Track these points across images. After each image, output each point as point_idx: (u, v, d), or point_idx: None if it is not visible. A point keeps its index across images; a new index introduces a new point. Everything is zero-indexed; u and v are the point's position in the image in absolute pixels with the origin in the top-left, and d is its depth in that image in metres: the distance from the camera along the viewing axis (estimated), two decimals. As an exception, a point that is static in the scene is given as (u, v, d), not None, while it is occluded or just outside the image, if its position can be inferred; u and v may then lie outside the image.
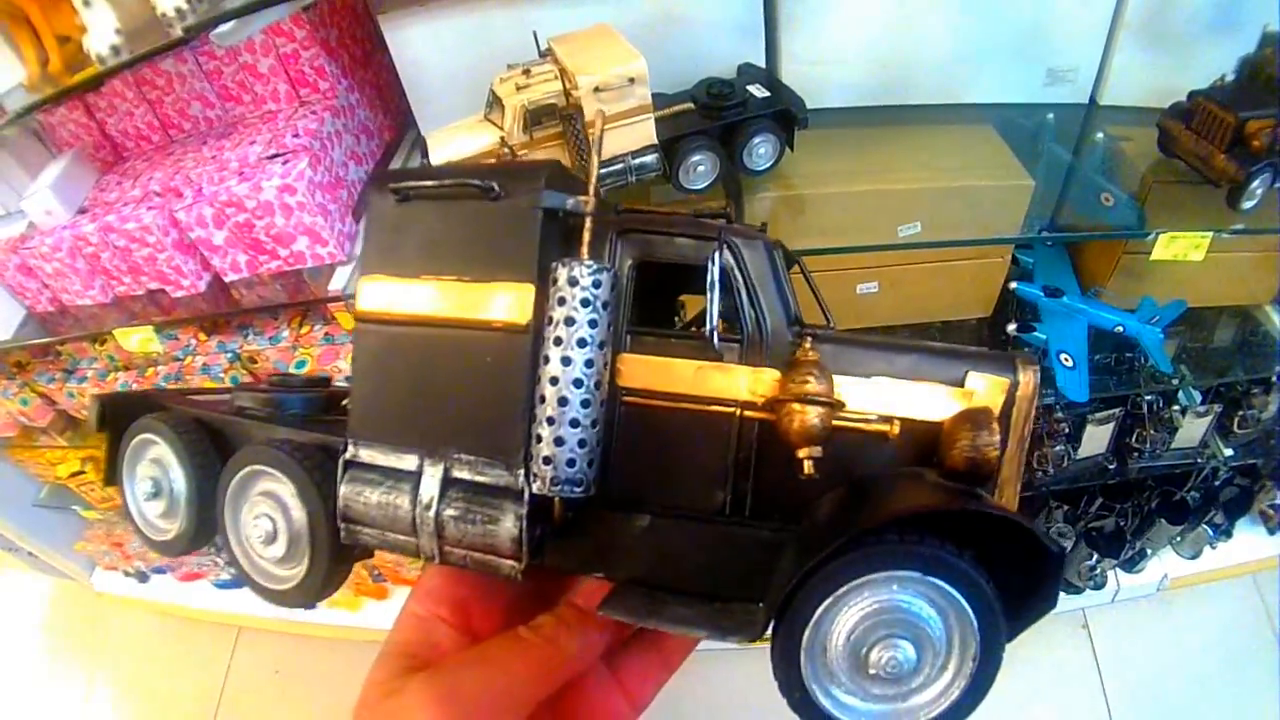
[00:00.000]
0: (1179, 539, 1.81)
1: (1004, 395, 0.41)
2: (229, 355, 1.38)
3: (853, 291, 1.26)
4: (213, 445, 0.50)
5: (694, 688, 1.76)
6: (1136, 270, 1.30)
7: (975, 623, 0.34)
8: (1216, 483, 1.73)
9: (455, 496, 0.40)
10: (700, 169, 1.04)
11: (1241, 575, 1.89)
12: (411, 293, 0.42)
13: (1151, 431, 1.49)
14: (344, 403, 0.50)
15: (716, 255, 0.41)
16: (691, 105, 1.04)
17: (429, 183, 0.43)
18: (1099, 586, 1.82)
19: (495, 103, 0.99)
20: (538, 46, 1.01)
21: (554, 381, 0.38)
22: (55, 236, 1.22)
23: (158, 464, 0.51)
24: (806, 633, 0.34)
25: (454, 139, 1.01)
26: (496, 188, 0.40)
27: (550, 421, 0.38)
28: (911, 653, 0.34)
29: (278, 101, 1.26)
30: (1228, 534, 1.81)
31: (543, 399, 0.38)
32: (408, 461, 0.42)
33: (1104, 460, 1.55)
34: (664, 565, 0.41)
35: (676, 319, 0.59)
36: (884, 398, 0.41)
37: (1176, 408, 1.47)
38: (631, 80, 0.91)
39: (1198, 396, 1.48)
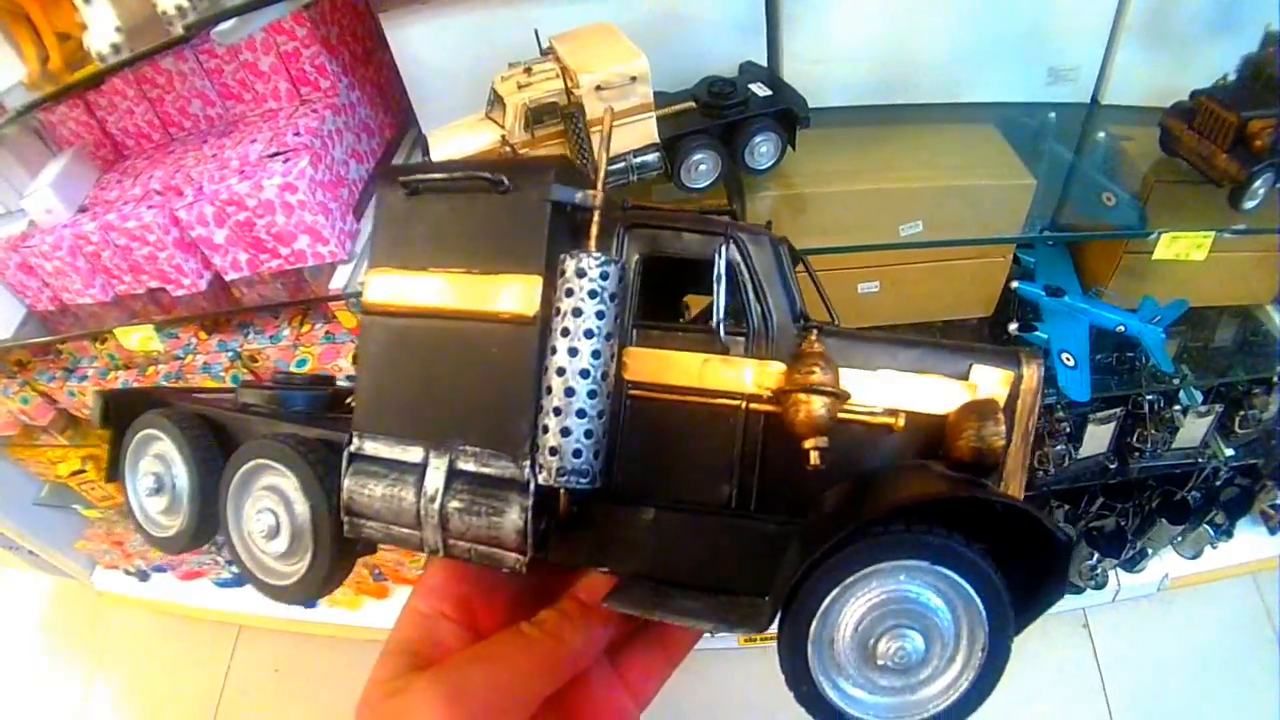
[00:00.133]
0: (1180, 539, 1.81)
1: (1008, 388, 0.41)
2: (230, 354, 1.38)
3: (854, 291, 1.26)
4: (216, 441, 0.50)
5: (695, 686, 1.76)
6: (1138, 270, 1.30)
7: (984, 613, 0.34)
8: (1217, 482, 1.73)
9: (460, 488, 0.40)
10: (702, 168, 1.04)
11: (1242, 575, 1.89)
12: (419, 285, 0.42)
13: (1152, 431, 1.49)
14: (348, 400, 0.50)
15: (723, 249, 0.41)
16: (693, 104, 1.04)
17: (438, 176, 0.43)
18: (1100, 586, 1.82)
19: (496, 101, 0.99)
20: (539, 45, 1.01)
21: (560, 372, 0.38)
22: (56, 235, 1.22)
23: (160, 460, 0.51)
24: (813, 624, 0.34)
25: (455, 137, 1.01)
26: (506, 181, 0.40)
27: (556, 412, 0.38)
28: (920, 643, 0.34)
29: (278, 100, 1.26)
30: (1228, 534, 1.81)
31: (549, 390, 0.38)
32: (413, 454, 0.41)
33: (1105, 460, 1.55)
34: (669, 559, 0.41)
35: (681, 319, 0.59)
36: (889, 391, 0.41)
37: (1178, 407, 1.47)
38: (633, 79, 0.91)
39: (1199, 396, 1.48)
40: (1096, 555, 1.73)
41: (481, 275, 0.41)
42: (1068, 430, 1.47)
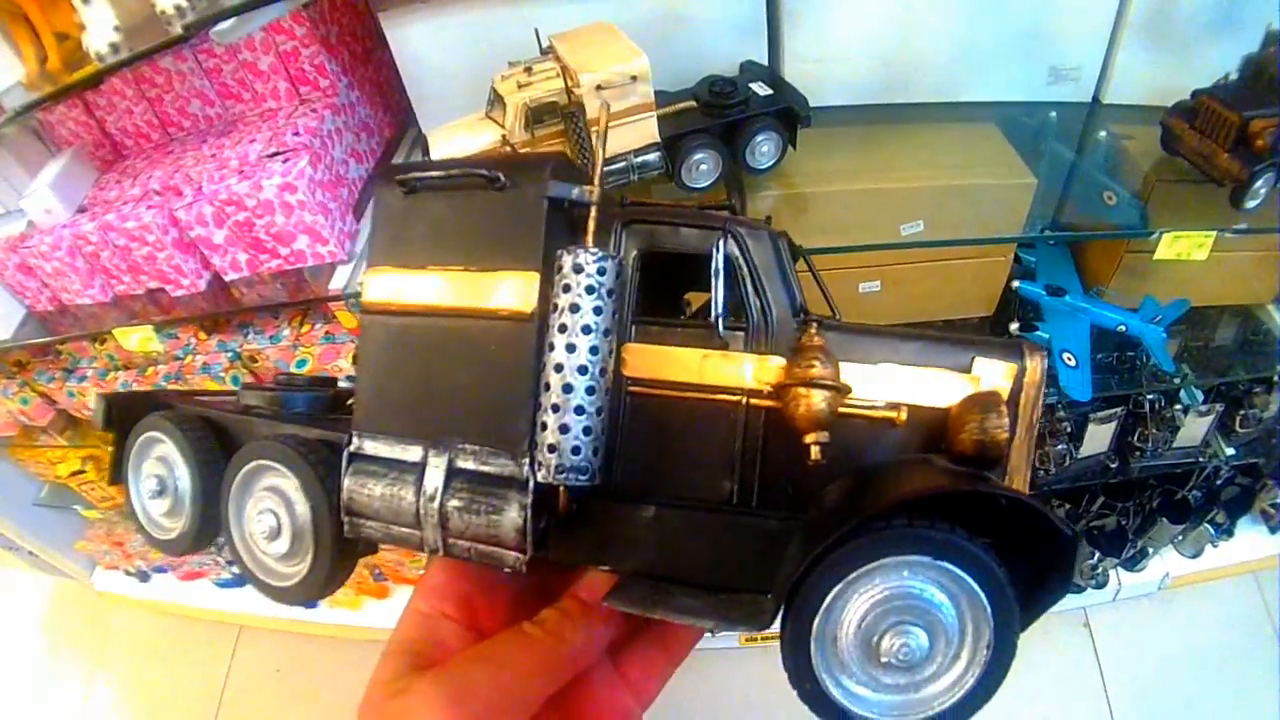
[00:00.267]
0: (1180, 538, 1.81)
1: (1012, 380, 0.41)
2: (229, 354, 1.38)
3: (855, 290, 1.26)
4: (218, 443, 0.50)
5: (696, 685, 1.76)
6: (1139, 269, 1.30)
7: (989, 609, 0.33)
8: (1218, 482, 1.73)
9: (460, 487, 0.40)
10: (703, 167, 1.04)
11: (1243, 574, 1.89)
12: (417, 283, 0.42)
13: (1153, 430, 1.49)
14: (349, 402, 0.50)
15: (721, 243, 0.41)
16: (694, 103, 1.03)
17: (435, 174, 0.42)
18: (1101, 585, 1.82)
19: (496, 100, 0.99)
20: (539, 44, 1.01)
21: (558, 369, 0.38)
22: (55, 235, 1.22)
23: (163, 462, 0.51)
24: (816, 621, 0.34)
25: (455, 137, 1.01)
26: (503, 178, 0.40)
27: (555, 409, 0.38)
28: (924, 640, 0.34)
29: (278, 99, 1.25)
30: (1229, 533, 1.81)
31: (547, 387, 0.38)
32: (412, 453, 0.41)
33: (1106, 459, 1.55)
34: (670, 556, 0.40)
35: (681, 315, 0.59)
36: (891, 384, 0.41)
37: (1178, 407, 1.47)
38: (634, 78, 0.90)
39: (1199, 395, 1.48)
40: (1097, 554, 1.73)
41: (479, 272, 0.41)
42: (1069, 429, 1.47)
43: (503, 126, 0.98)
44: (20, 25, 1.04)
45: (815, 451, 0.38)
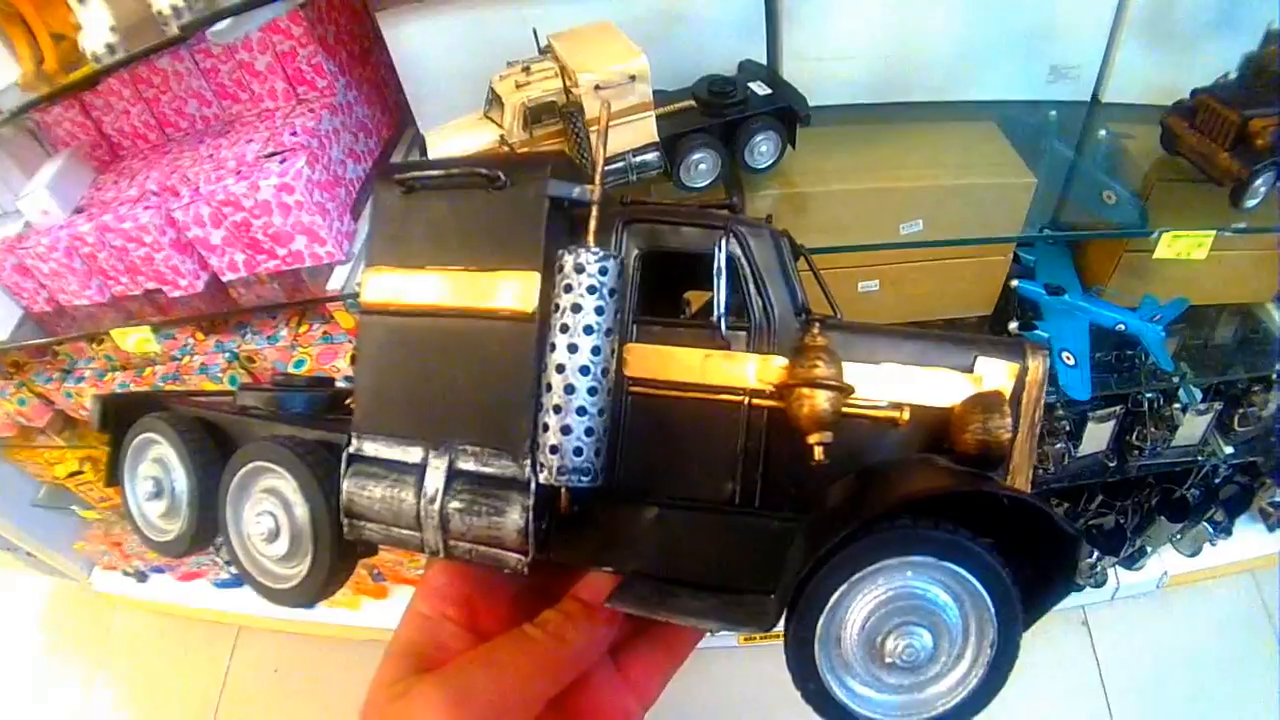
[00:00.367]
0: (1179, 536, 1.81)
1: (1014, 380, 0.41)
2: (227, 355, 1.38)
3: (854, 290, 1.26)
4: (215, 445, 0.50)
5: (696, 685, 1.76)
6: (1138, 268, 1.30)
7: (992, 609, 0.33)
8: (1217, 480, 1.73)
9: (460, 489, 0.40)
10: (701, 167, 1.04)
11: (1241, 573, 1.89)
12: (417, 283, 0.42)
13: (1152, 429, 1.49)
14: (348, 402, 0.50)
15: (723, 243, 0.41)
16: (693, 102, 1.03)
17: (435, 173, 0.42)
18: (1099, 584, 1.82)
19: (495, 100, 0.99)
20: (537, 43, 1.01)
21: (560, 369, 0.38)
22: (52, 236, 1.21)
23: (159, 464, 0.51)
24: (820, 622, 0.34)
25: (453, 137, 1.01)
26: (503, 177, 0.40)
27: (557, 410, 0.38)
28: (928, 640, 0.34)
29: (275, 99, 1.25)
30: (1228, 531, 1.81)
31: (549, 387, 0.38)
32: (412, 454, 0.41)
33: (1104, 458, 1.55)
34: (672, 557, 0.40)
35: (681, 315, 0.59)
36: (893, 384, 0.41)
37: (1177, 405, 1.47)
38: (632, 78, 0.90)
39: (1198, 394, 1.48)
40: (1096, 553, 1.73)
41: (479, 272, 0.40)
42: (1067, 428, 1.47)
43: (501, 126, 0.98)
44: (16, 26, 1.04)
45: (819, 452, 0.38)
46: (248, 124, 1.24)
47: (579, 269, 0.38)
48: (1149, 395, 1.46)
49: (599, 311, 0.38)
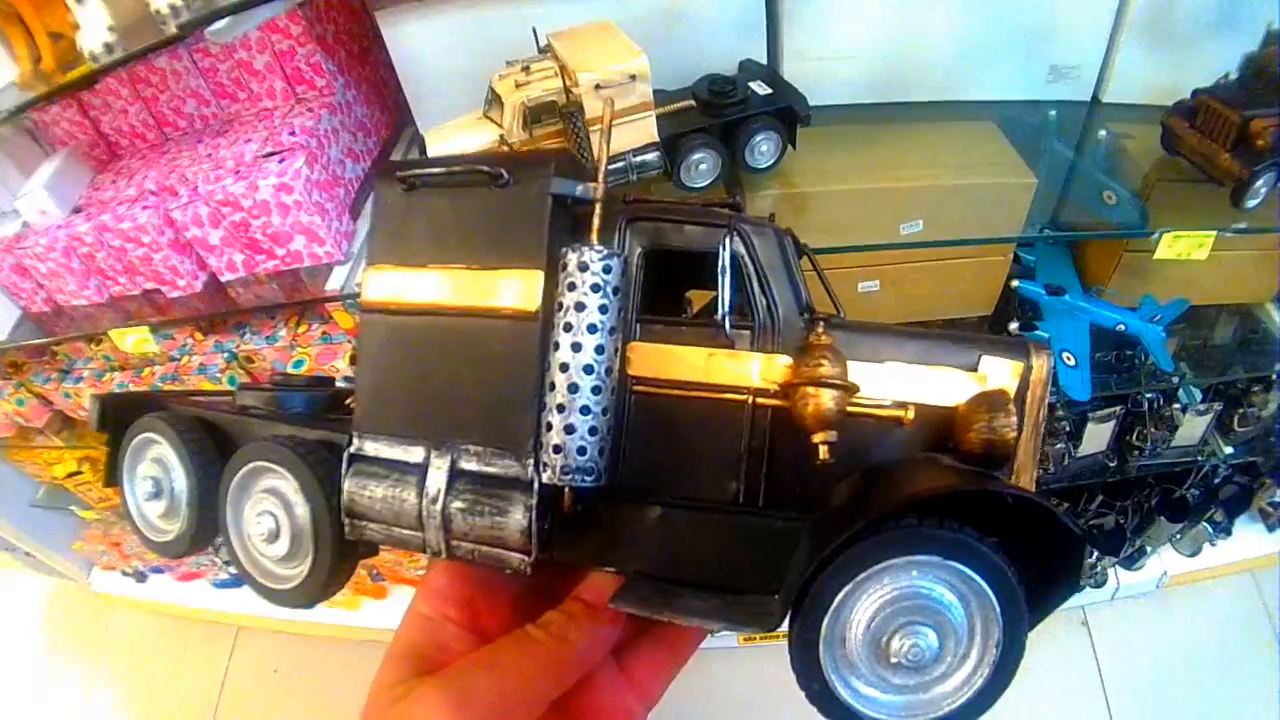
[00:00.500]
0: (1179, 536, 1.81)
1: (1018, 379, 0.41)
2: (226, 355, 1.37)
3: (853, 290, 1.26)
4: (215, 444, 0.50)
5: (696, 685, 1.76)
6: (1138, 268, 1.30)
7: (998, 608, 0.33)
8: (1216, 480, 1.73)
9: (463, 488, 0.40)
10: (702, 167, 1.04)
11: (1241, 573, 1.90)
12: (419, 282, 0.42)
13: (1152, 429, 1.49)
14: (348, 401, 0.50)
15: (727, 241, 0.41)
16: (693, 102, 1.03)
17: (437, 170, 0.42)
18: (1099, 584, 1.82)
19: (494, 100, 0.98)
20: (537, 43, 1.00)
21: (564, 368, 0.38)
22: (50, 236, 1.21)
23: (159, 464, 0.51)
24: (825, 622, 0.33)
25: (453, 136, 1.00)
26: (505, 174, 0.40)
27: (560, 409, 0.38)
28: (933, 640, 0.34)
29: (274, 99, 1.25)
30: (1227, 531, 1.81)
31: (552, 386, 0.38)
32: (414, 454, 0.41)
33: (1104, 458, 1.55)
34: (676, 557, 0.40)
35: (684, 314, 0.59)
36: (898, 383, 0.41)
37: (1177, 406, 1.47)
38: (633, 77, 0.90)
39: (1198, 394, 1.48)
40: (1096, 553, 1.73)
41: (482, 271, 0.40)
42: (1067, 429, 1.47)
43: (501, 126, 0.97)
44: (14, 25, 1.03)
45: (824, 451, 0.38)
46: (246, 123, 1.24)
47: (583, 267, 0.38)
48: (1149, 395, 1.46)
49: (603, 310, 0.38)
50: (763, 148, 1.06)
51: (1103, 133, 1.22)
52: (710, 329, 0.41)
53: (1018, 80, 1.21)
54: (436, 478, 0.40)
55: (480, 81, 1.00)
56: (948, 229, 1.10)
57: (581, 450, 0.38)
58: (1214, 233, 1.06)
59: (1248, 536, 1.85)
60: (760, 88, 1.06)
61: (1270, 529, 1.85)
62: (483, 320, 0.40)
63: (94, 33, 0.94)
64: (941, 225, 1.10)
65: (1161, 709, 1.77)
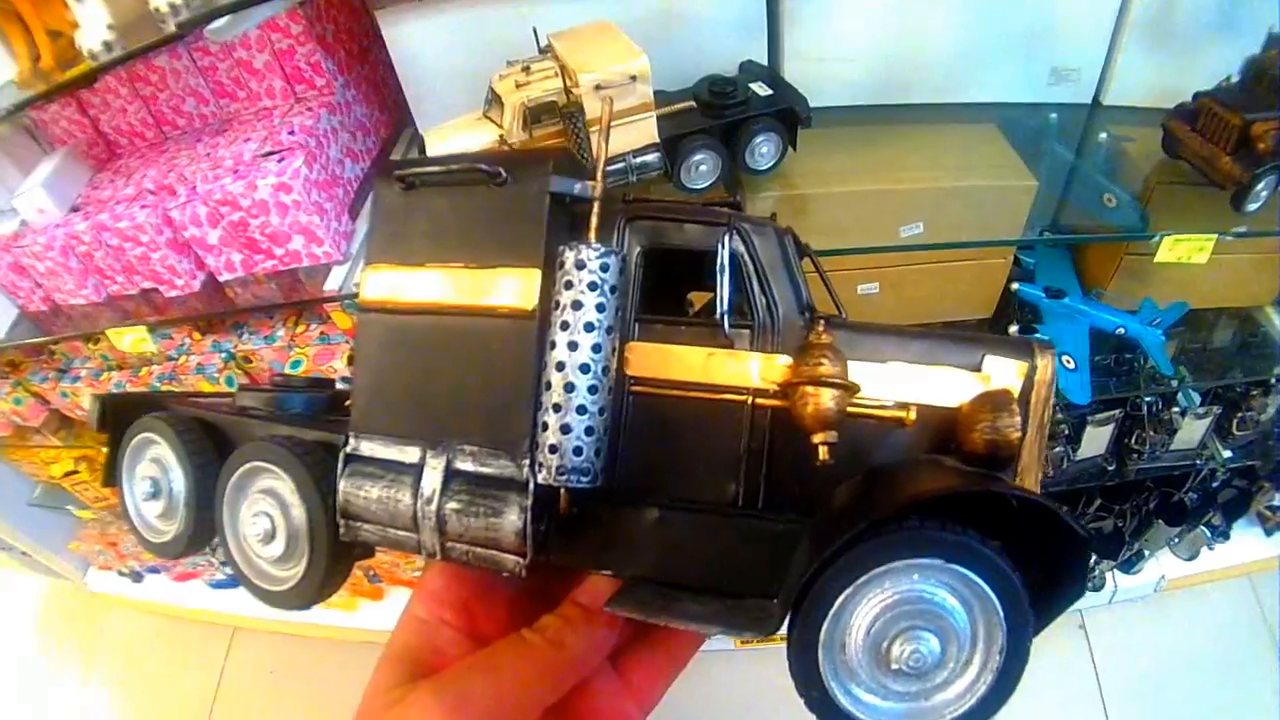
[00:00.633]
0: (1177, 540, 1.81)
1: (1023, 379, 0.40)
2: (224, 355, 1.37)
3: (853, 292, 1.25)
4: (214, 445, 0.49)
5: (693, 688, 1.75)
6: (1138, 271, 1.30)
7: (1001, 613, 0.32)
8: (1215, 484, 1.73)
9: (458, 489, 0.39)
10: (702, 168, 1.03)
11: (1239, 577, 1.90)
12: (416, 281, 0.41)
13: (1151, 433, 1.49)
14: (347, 403, 0.50)
15: (726, 239, 0.40)
16: (693, 103, 1.03)
17: (435, 169, 0.42)
18: (1097, 588, 1.82)
19: (494, 100, 0.98)
20: (537, 43, 1.00)
21: (560, 367, 0.37)
22: (48, 235, 1.21)
23: (157, 464, 0.50)
24: (824, 627, 0.33)
25: (452, 136, 1.00)
26: (504, 173, 0.40)
27: (556, 409, 0.37)
28: (935, 646, 0.33)
29: (273, 98, 1.24)
30: (1225, 535, 1.81)
31: (548, 386, 0.38)
32: (409, 454, 0.41)
33: (1103, 461, 1.55)
34: (674, 560, 0.40)
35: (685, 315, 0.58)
36: (899, 383, 0.40)
37: (1176, 409, 1.47)
38: (633, 78, 0.90)
39: (1197, 398, 1.48)
40: (1094, 556, 1.73)
41: (480, 269, 0.40)
42: (1066, 432, 1.47)
43: (500, 126, 0.97)
44: (13, 23, 1.03)
45: (823, 452, 0.37)
46: (245, 123, 1.23)
47: (580, 265, 0.37)
48: (1148, 399, 1.46)
49: (600, 309, 0.38)
50: (763, 149, 1.06)
51: (1103, 135, 1.22)
52: (709, 328, 0.41)
53: (1018, 82, 1.21)
54: (431, 478, 0.40)
55: (480, 82, 1.00)
56: (948, 231, 1.10)
57: (577, 451, 0.37)
58: (1214, 236, 1.06)
59: (1246, 540, 1.85)
60: (761, 89, 1.05)
61: (1268, 533, 1.85)
62: (480, 319, 0.40)
63: (93, 31, 0.94)
64: (941, 227, 1.09)
65: (1159, 713, 1.77)
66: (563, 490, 0.39)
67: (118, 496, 0.53)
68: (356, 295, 0.45)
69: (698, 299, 0.51)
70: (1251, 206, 1.02)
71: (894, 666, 0.33)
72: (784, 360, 0.40)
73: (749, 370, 0.40)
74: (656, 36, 1.00)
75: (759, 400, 0.40)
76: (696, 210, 0.42)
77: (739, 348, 0.41)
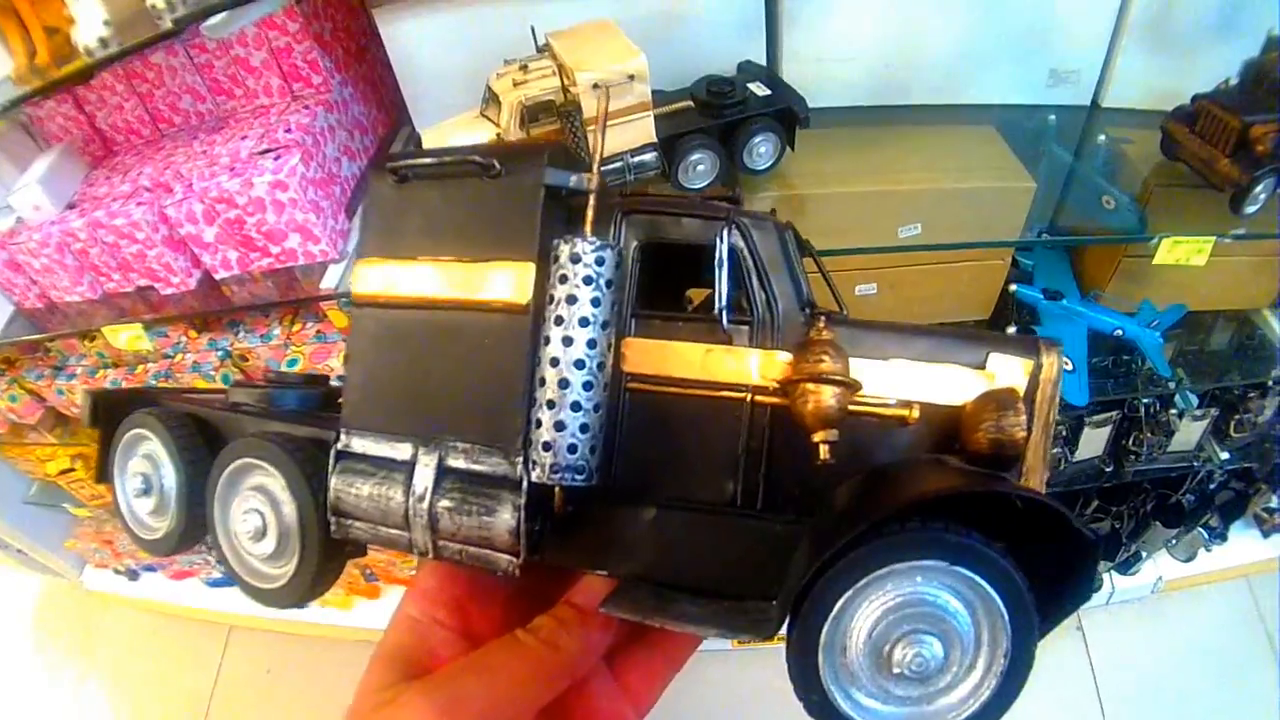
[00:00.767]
0: (1174, 542, 1.81)
1: (1028, 377, 0.40)
2: (220, 353, 1.37)
3: (851, 293, 1.25)
4: (206, 441, 0.49)
5: (689, 689, 1.75)
6: (1136, 273, 1.30)
7: (1006, 616, 0.32)
8: (1212, 486, 1.73)
9: (450, 487, 0.39)
10: (700, 168, 1.03)
11: (1236, 578, 1.89)
12: (409, 274, 0.41)
13: (1148, 435, 1.49)
14: (340, 400, 0.49)
15: (725, 233, 0.40)
16: (691, 103, 1.03)
17: (429, 162, 0.41)
18: (1094, 589, 1.82)
19: (492, 99, 0.98)
20: (535, 42, 1.00)
21: (554, 363, 0.37)
22: (43, 232, 1.20)
23: (149, 460, 0.50)
24: (825, 630, 0.32)
25: (449, 135, 1.00)
26: (498, 165, 0.39)
27: (550, 405, 0.37)
28: (938, 650, 0.32)
29: (270, 96, 1.24)
30: (1222, 537, 1.81)
31: (543, 381, 0.37)
32: (401, 450, 0.40)
33: (1100, 463, 1.55)
34: (671, 560, 0.39)
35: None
36: (902, 381, 0.39)
37: (1173, 411, 1.47)
38: (631, 77, 0.89)
39: (1194, 400, 1.48)
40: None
41: (473, 263, 0.39)
42: (1064, 433, 1.46)
43: (498, 125, 0.97)
44: (9, 19, 1.03)
45: (824, 451, 0.36)
46: (242, 120, 1.23)
47: (575, 259, 0.37)
48: (1145, 401, 1.46)
49: (595, 303, 0.37)
50: (761, 149, 1.05)
51: (1102, 137, 1.22)
52: (707, 324, 0.40)
53: (1017, 84, 1.21)
54: (424, 475, 0.39)
55: (478, 80, 0.99)
56: (946, 232, 1.10)
57: (572, 448, 0.37)
58: (1213, 238, 1.06)
59: (1243, 542, 1.85)
60: (759, 89, 1.05)
61: (1265, 535, 1.85)
62: (473, 314, 0.39)
63: (89, 27, 0.94)
64: (940, 229, 1.09)
65: (1156, 714, 1.77)
66: (557, 489, 0.38)
67: (110, 493, 0.53)
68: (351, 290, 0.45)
69: (696, 296, 0.50)
70: (1250, 209, 1.02)
71: (896, 670, 0.32)
72: (784, 357, 0.39)
73: (748, 367, 0.40)
74: (655, 36, 1.00)
75: (758, 398, 0.40)
76: (695, 204, 0.41)
77: (738, 344, 0.40)
